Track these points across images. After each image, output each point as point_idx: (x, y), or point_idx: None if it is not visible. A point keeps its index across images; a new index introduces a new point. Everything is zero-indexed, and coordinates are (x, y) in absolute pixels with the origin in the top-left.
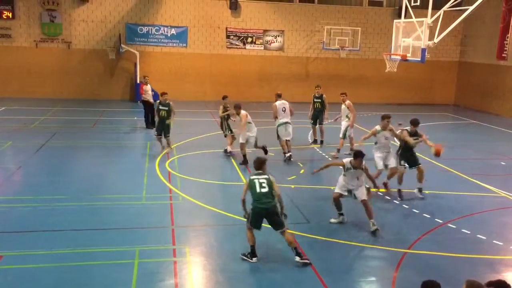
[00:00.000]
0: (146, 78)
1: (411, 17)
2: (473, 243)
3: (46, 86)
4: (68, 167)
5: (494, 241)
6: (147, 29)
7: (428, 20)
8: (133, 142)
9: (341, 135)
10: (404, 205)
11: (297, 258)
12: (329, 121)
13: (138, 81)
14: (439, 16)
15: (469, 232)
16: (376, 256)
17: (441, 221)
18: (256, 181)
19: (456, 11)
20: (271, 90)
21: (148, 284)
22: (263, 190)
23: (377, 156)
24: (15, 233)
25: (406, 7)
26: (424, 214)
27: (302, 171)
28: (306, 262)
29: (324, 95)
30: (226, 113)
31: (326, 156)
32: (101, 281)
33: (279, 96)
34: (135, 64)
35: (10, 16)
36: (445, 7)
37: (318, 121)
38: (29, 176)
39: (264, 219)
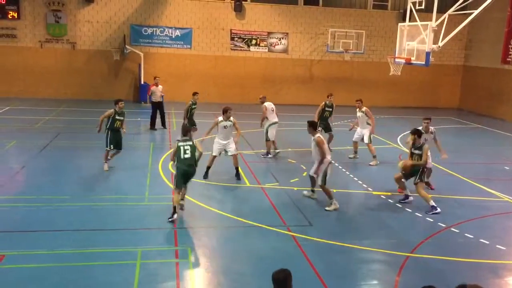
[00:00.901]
0: (157, 79)
1: (416, 21)
2: (476, 248)
3: (50, 87)
4: (71, 167)
5: (497, 246)
6: (152, 30)
7: (433, 23)
8: (136, 143)
9: (367, 141)
10: (407, 209)
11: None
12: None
13: (142, 82)
14: (443, 20)
15: (472, 236)
16: (378, 259)
17: (444, 225)
18: (182, 147)
19: (461, 15)
20: (275, 92)
21: (150, 285)
22: (186, 155)
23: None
24: (18, 232)
25: (411, 10)
26: (427, 218)
27: (304, 173)
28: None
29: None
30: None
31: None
32: (103, 282)
33: (265, 98)
34: (139, 65)
35: (16, 17)
36: (450, 11)
37: (326, 129)
38: (32, 175)
39: None
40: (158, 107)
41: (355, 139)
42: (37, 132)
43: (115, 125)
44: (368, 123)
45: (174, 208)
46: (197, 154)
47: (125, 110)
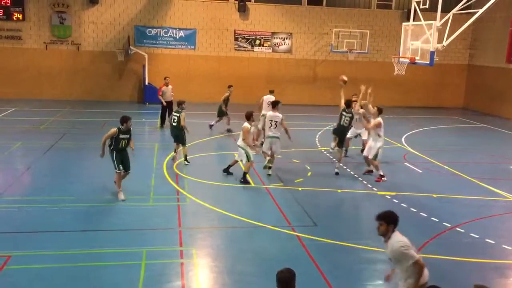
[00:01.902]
0: (167, 79)
1: (420, 20)
2: (482, 248)
3: (55, 88)
4: (76, 168)
5: (503, 246)
6: (156, 31)
7: (437, 23)
8: (141, 144)
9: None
10: (412, 209)
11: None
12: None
13: (146, 83)
14: (448, 19)
15: (477, 236)
16: (383, 259)
17: (449, 225)
18: (122, 136)
19: (465, 14)
20: (279, 93)
21: (155, 285)
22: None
23: None
24: (24, 233)
25: (415, 9)
26: (432, 218)
27: (309, 173)
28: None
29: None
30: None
31: (334, 159)
32: (108, 282)
33: (271, 92)
34: (144, 66)
35: (21, 18)
36: (454, 10)
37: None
38: (38, 176)
39: None
40: (168, 106)
41: (349, 135)
42: (43, 133)
43: (120, 145)
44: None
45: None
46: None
47: (132, 128)
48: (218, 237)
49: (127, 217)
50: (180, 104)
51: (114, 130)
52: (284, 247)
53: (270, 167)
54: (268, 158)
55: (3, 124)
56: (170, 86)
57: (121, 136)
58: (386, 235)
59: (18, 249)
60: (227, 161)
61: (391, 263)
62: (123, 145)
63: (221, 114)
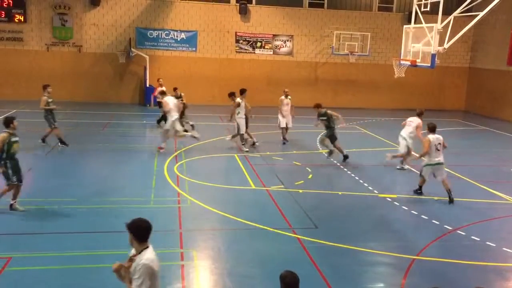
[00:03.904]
0: (161, 80)
1: (421, 23)
2: (483, 250)
3: (56, 90)
4: (77, 170)
5: (504, 249)
6: (157, 33)
7: (438, 25)
8: (142, 146)
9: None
10: (413, 212)
11: None
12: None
13: (147, 85)
14: (449, 22)
15: (478, 239)
16: (384, 262)
17: (450, 228)
18: (13, 139)
19: (466, 17)
20: (279, 95)
21: None
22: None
23: None
24: (24, 235)
25: (416, 12)
26: (433, 221)
27: (310, 176)
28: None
29: (328, 111)
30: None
31: (335, 161)
32: (109, 284)
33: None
34: (145, 68)
35: (22, 20)
36: (456, 13)
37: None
38: (39, 178)
39: None
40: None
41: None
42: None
43: (13, 150)
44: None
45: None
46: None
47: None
48: (219, 239)
49: (127, 219)
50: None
51: (3, 135)
52: (284, 250)
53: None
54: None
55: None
56: (163, 88)
57: (13, 139)
58: (136, 249)
59: (18, 251)
60: (228, 163)
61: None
62: (16, 150)
63: None
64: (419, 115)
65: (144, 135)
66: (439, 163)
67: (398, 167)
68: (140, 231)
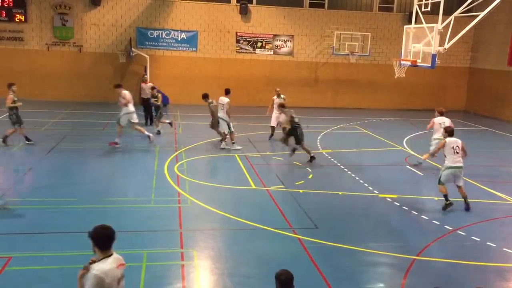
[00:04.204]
0: (145, 76)
1: (422, 23)
2: (483, 251)
3: (57, 89)
4: (77, 170)
5: (504, 249)
6: (158, 33)
7: (439, 25)
8: (142, 145)
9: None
10: (413, 212)
11: None
12: None
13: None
14: (449, 22)
15: (478, 239)
16: (384, 262)
17: (450, 228)
18: None
19: (467, 17)
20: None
21: (156, 287)
22: None
23: None
24: (24, 234)
25: (417, 12)
26: (433, 221)
27: (310, 176)
28: None
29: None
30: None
31: (335, 162)
32: None
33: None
34: (145, 68)
35: (23, 20)
36: (456, 13)
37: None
38: (39, 178)
39: None
40: (146, 103)
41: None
42: (44, 135)
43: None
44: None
45: None
46: None
47: None
48: (219, 239)
49: (128, 218)
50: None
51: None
52: (285, 250)
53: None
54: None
55: (4, 125)
56: (150, 84)
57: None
58: (98, 256)
59: (18, 251)
60: (229, 164)
61: None
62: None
63: None
64: (443, 114)
65: (144, 135)
66: (458, 167)
67: (415, 163)
68: (101, 239)
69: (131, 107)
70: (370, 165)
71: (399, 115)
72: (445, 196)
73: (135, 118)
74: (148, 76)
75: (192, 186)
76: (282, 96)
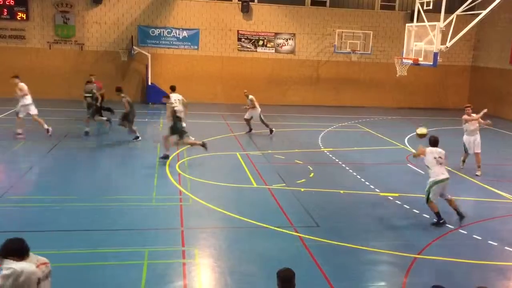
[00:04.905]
0: (91, 76)
1: (424, 21)
2: (484, 249)
3: (58, 87)
4: (79, 168)
5: (506, 248)
6: (159, 31)
7: (441, 24)
8: (144, 144)
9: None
10: (414, 210)
11: None
12: None
13: (149, 83)
14: (451, 20)
15: (480, 238)
16: (386, 261)
17: (452, 227)
18: None
19: (469, 15)
20: (281, 93)
21: (157, 285)
22: None
23: None
24: (26, 232)
25: (419, 11)
26: (435, 220)
27: (311, 174)
28: None
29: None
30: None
31: (337, 160)
32: (110, 282)
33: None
34: (147, 66)
35: (24, 18)
36: (458, 11)
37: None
38: (40, 176)
39: None
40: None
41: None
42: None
43: None
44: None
45: None
46: None
47: None
48: (221, 237)
49: (129, 217)
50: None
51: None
52: (286, 248)
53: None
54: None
55: (6, 123)
56: (94, 85)
57: None
58: None
59: None
60: (230, 162)
61: None
62: None
63: None
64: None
65: (146, 133)
66: (444, 179)
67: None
68: (14, 251)
69: (28, 99)
70: (372, 164)
71: (400, 114)
72: (438, 214)
73: (32, 110)
74: (93, 77)
75: (193, 184)
76: (250, 96)
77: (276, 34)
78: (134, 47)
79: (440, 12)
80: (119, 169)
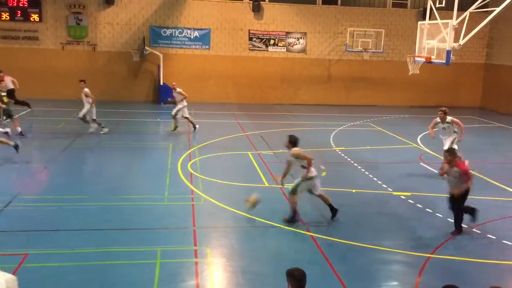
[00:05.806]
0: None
1: (436, 19)
2: (498, 249)
3: (71, 88)
4: (92, 168)
5: None
6: (171, 32)
7: (454, 21)
8: (156, 143)
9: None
10: (427, 209)
11: None
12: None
13: (161, 83)
14: (464, 18)
15: (494, 237)
16: (398, 260)
17: (465, 226)
18: None
19: (482, 13)
20: (293, 92)
21: (170, 284)
22: None
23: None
24: (40, 231)
25: (431, 8)
26: (448, 219)
27: (323, 173)
28: None
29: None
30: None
31: (349, 159)
32: (123, 281)
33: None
34: (159, 66)
35: (38, 19)
36: (471, 9)
37: None
38: (54, 176)
39: None
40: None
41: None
42: (59, 133)
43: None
44: (455, 132)
45: None
46: None
47: None
48: (232, 236)
49: (141, 216)
50: None
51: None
52: (298, 247)
53: None
54: None
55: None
56: (9, 78)
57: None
58: None
59: (34, 248)
60: (242, 161)
61: None
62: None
63: None
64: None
65: (158, 133)
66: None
67: None
68: None
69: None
70: (384, 163)
71: (413, 113)
72: (294, 213)
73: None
74: (3, 74)
75: (205, 184)
76: (178, 89)
77: (287, 33)
78: (146, 47)
79: (452, 9)
80: (131, 169)
